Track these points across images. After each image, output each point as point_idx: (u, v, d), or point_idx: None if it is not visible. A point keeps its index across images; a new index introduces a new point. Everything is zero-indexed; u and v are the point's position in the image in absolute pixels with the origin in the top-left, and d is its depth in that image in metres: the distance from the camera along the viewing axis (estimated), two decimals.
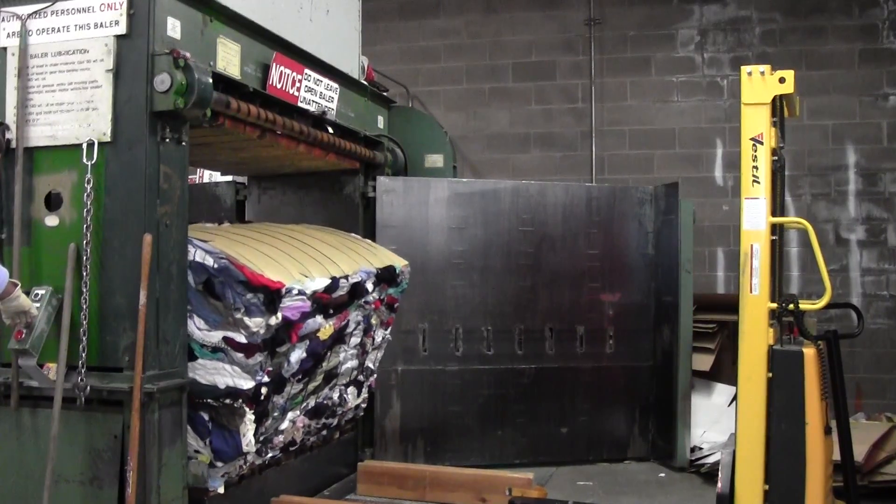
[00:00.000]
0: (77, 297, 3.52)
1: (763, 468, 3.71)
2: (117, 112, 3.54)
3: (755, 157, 3.81)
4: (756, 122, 3.83)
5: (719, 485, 3.91)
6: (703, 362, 6.56)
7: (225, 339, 3.81)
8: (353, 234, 5.41)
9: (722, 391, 6.61)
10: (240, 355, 3.81)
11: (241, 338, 3.79)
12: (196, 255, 3.82)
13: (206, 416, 3.91)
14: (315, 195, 5.80)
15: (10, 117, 3.67)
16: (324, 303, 4.30)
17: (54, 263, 3.58)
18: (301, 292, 4.03)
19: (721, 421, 6.31)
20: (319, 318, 4.29)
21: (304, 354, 4.30)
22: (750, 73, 3.84)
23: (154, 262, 3.50)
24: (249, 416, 3.95)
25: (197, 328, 3.82)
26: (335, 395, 4.90)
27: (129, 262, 3.50)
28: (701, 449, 6.18)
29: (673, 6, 8.43)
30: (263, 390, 4.00)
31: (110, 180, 3.55)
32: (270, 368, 4.02)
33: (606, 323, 6.47)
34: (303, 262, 4.33)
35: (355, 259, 4.81)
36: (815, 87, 7.93)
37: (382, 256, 5.12)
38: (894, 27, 7.95)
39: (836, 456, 3.94)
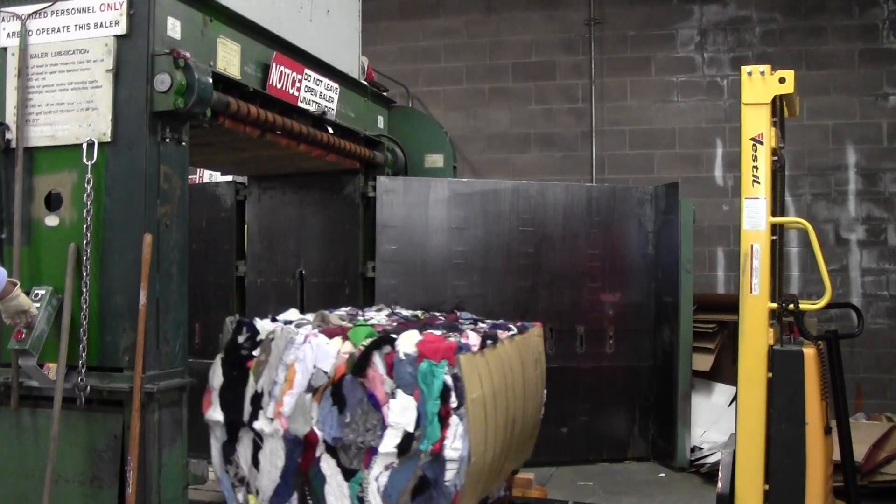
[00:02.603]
0: (77, 297, 3.52)
1: (763, 468, 3.70)
2: (117, 112, 3.54)
3: (755, 157, 3.80)
4: (756, 122, 3.82)
5: (719, 485, 3.90)
6: (703, 362, 6.56)
7: None
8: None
9: (722, 391, 6.61)
10: None
11: None
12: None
13: None
14: (315, 195, 5.80)
15: (10, 117, 3.67)
16: None
17: (54, 263, 3.58)
18: None
19: (721, 421, 6.31)
20: None
21: None
22: (750, 73, 3.83)
23: (154, 262, 3.50)
24: None
25: None
26: None
27: (129, 262, 3.50)
28: (701, 449, 6.18)
29: (673, 6, 8.43)
30: None
31: (110, 180, 3.56)
32: None
33: (606, 323, 6.46)
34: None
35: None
36: (815, 87, 7.93)
37: None
38: (894, 27, 7.95)
39: (836, 456, 3.94)
